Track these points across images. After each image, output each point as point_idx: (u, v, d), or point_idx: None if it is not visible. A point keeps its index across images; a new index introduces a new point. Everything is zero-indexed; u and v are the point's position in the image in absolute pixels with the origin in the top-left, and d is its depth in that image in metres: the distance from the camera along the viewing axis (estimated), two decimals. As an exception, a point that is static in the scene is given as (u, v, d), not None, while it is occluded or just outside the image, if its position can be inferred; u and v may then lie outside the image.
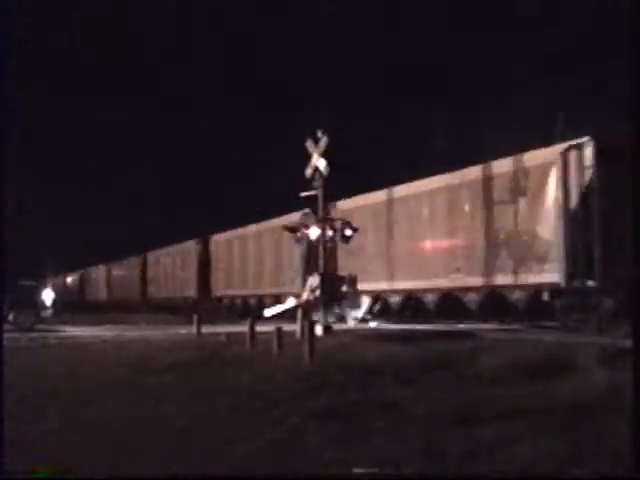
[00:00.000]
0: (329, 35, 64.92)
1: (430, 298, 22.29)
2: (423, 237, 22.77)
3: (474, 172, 21.05)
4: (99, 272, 61.21)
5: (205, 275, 38.42)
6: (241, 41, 74.90)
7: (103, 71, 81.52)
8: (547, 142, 19.74)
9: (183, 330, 21.99)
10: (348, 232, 20.60)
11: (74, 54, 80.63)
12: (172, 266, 44.06)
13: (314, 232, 20.46)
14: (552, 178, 17.92)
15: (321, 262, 20.60)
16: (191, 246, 40.58)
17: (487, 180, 20.40)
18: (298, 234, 21.68)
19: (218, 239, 37.91)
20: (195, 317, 21.50)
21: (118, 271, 56.16)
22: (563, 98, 33.78)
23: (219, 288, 37.17)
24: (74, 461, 6.63)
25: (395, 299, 24.07)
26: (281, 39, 69.78)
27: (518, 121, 30.73)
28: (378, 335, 17.25)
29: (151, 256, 48.32)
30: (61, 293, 55.14)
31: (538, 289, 18.31)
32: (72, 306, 49.52)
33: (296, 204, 25.50)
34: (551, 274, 17.73)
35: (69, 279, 68.54)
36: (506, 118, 32.97)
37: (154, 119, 70.86)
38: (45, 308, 29.52)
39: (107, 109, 70.14)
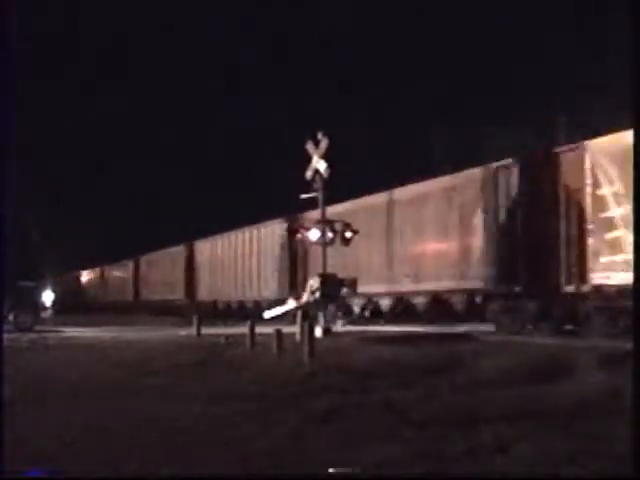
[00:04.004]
0: (328, 35, 64.99)
1: (386, 301, 24.22)
2: (382, 246, 24.42)
3: (420, 187, 23.02)
4: (94, 274, 61.82)
5: (191, 279, 39.74)
6: (240, 43, 74.97)
7: (100, 71, 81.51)
8: (547, 143, 20.03)
9: (182, 331, 22.03)
10: (348, 234, 20.63)
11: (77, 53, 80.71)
12: (162, 269, 45.06)
13: (314, 234, 20.48)
14: (484, 194, 19.58)
15: (321, 264, 20.64)
16: (179, 250, 41.79)
17: (429, 195, 22.31)
18: (298, 236, 21.69)
19: (203, 244, 39.05)
20: (195, 318, 21.57)
21: (112, 273, 57.15)
22: (563, 98, 33.85)
23: (203, 292, 38.32)
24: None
25: (358, 302, 25.37)
26: (281, 41, 69.86)
27: (518, 122, 30.83)
28: (377, 337, 17.31)
29: (143, 259, 49.41)
30: (61, 293, 55.03)
31: (472, 294, 20.08)
32: (70, 307, 49.59)
33: (295, 206, 25.65)
34: (481, 280, 19.58)
35: (67, 279, 68.48)
36: (506, 120, 33.03)
37: (152, 121, 70.81)
38: (45, 309, 29.56)
39: (104, 111, 70.07)
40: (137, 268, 50.40)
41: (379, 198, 24.98)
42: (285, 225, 29.96)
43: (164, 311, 39.61)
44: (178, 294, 41.18)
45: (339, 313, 24.30)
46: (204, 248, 38.90)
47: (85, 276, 65.54)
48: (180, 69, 76.53)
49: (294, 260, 29.33)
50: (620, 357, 9.81)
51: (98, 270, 60.74)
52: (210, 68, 73.22)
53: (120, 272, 54.87)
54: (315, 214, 26.26)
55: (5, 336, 17.47)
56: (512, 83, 45.49)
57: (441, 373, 10.82)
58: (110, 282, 57.58)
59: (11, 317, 26.26)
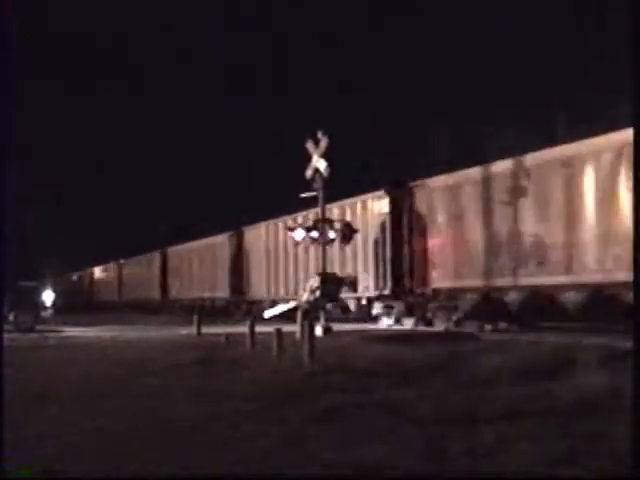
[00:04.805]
0: (328, 34, 65.01)
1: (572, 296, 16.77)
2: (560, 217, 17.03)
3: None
4: (109, 270, 58.04)
5: (240, 274, 33.09)
6: (240, 43, 74.96)
7: (100, 71, 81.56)
8: (547, 143, 19.62)
9: (183, 331, 22.02)
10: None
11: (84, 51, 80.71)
12: (200, 263, 38.39)
13: (314, 233, 20.49)
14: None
15: (321, 263, 20.65)
16: (222, 240, 35.12)
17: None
18: (293, 234, 21.60)
19: (256, 231, 31.82)
20: (195, 317, 21.60)
21: (132, 269, 51.23)
22: (563, 98, 33.85)
23: (257, 289, 31.44)
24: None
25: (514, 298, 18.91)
26: (281, 41, 69.86)
27: (518, 122, 30.83)
28: (378, 336, 17.29)
29: (173, 252, 42.98)
30: (66, 293, 54.19)
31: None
32: (76, 307, 48.37)
33: (295, 205, 25.51)
34: None
35: (75, 277, 67.59)
36: (506, 119, 33.03)
37: (152, 121, 70.94)
38: (45, 308, 29.62)
39: (104, 111, 70.18)
40: (165, 262, 43.41)
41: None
42: (387, 199, 21.83)
43: (203, 312, 29.67)
44: (221, 291, 34.93)
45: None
46: (257, 235, 31.37)
47: (97, 273, 61.01)
48: (180, 69, 76.55)
49: (400, 244, 21.30)
50: None
51: (114, 266, 54.99)
52: (210, 68, 73.25)
53: (143, 267, 48.17)
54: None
55: (5, 336, 17.46)
56: (512, 83, 45.47)
57: (442, 372, 10.81)
58: (129, 279, 51.27)
59: (11, 317, 26.29)
